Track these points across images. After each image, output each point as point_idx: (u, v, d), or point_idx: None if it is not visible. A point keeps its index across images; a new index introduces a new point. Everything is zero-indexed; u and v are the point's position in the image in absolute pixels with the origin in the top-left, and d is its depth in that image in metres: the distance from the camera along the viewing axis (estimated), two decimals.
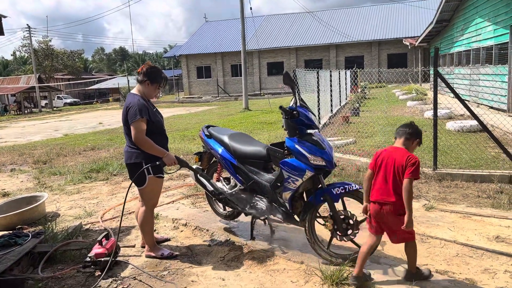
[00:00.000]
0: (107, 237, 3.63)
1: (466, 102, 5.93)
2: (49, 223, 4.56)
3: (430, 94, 17.09)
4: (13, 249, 3.53)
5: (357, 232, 3.33)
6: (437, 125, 5.76)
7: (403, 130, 3.01)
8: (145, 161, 3.47)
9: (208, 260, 3.62)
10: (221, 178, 4.29)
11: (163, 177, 3.68)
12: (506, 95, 10.77)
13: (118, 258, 3.63)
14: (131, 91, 3.62)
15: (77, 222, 4.72)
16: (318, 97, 10.30)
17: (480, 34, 13.18)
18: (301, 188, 3.41)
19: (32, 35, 41.77)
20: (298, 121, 3.35)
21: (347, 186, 3.28)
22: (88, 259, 3.42)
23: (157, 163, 3.47)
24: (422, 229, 3.99)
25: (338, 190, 3.27)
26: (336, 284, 3.01)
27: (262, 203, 3.68)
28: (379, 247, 3.40)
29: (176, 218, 4.63)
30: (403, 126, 3.05)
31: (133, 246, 4.00)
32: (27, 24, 43.15)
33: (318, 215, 3.48)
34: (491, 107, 11.90)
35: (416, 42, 25.29)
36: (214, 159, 4.30)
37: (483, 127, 5.50)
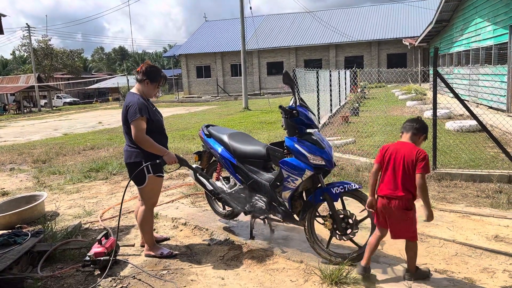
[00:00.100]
0: (106, 236, 3.63)
1: (466, 102, 5.94)
2: (48, 222, 4.57)
3: (430, 94, 17.11)
4: (12, 248, 3.54)
5: (356, 232, 3.33)
6: (437, 125, 5.77)
7: (410, 125, 3.02)
8: (145, 160, 3.47)
9: (207, 259, 3.63)
10: (220, 177, 4.29)
11: (163, 176, 3.68)
12: (505, 95, 10.78)
13: (118, 257, 3.63)
14: (131, 90, 3.62)
15: (76, 221, 4.72)
16: (317, 96, 10.31)
17: (480, 34, 13.19)
18: (300, 188, 3.42)
19: (31, 34, 41.78)
20: (297, 120, 3.36)
21: (346, 186, 3.28)
22: (87, 258, 3.41)
23: (157, 161, 3.48)
24: (421, 228, 3.98)
25: (337, 190, 3.28)
26: (336, 283, 3.02)
27: (261, 203, 3.68)
28: (378, 247, 3.40)
29: (176, 217, 4.63)
30: (410, 121, 3.06)
31: (133, 245, 4.00)
32: (27, 23, 43.10)
33: (317, 214, 3.49)
34: (490, 107, 11.91)
35: (415, 42, 25.30)
36: (213, 158, 4.31)
37: (482, 127, 5.51)
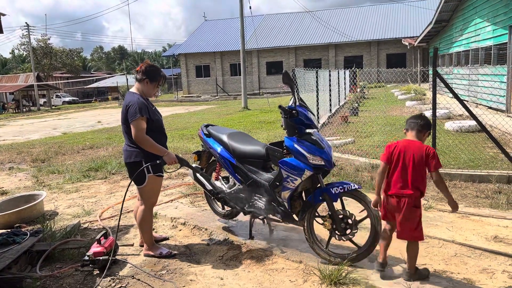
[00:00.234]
0: (105, 235, 3.62)
1: (465, 102, 5.94)
2: (47, 222, 4.56)
3: (429, 94, 17.12)
4: (11, 248, 3.53)
5: (356, 232, 3.33)
6: (436, 125, 5.77)
7: (415, 122, 3.02)
8: (145, 160, 3.47)
9: (206, 259, 3.62)
10: (220, 177, 4.29)
11: (163, 176, 3.68)
12: (504, 96, 10.79)
13: (117, 257, 3.63)
14: (130, 90, 3.62)
15: (75, 220, 4.72)
16: (317, 96, 10.30)
17: (479, 34, 13.20)
18: (300, 188, 3.42)
19: (30, 33, 41.73)
20: (297, 120, 3.35)
21: (346, 186, 3.28)
22: (86, 257, 3.41)
23: (157, 161, 3.47)
24: None
25: (337, 190, 3.27)
26: (335, 283, 3.02)
27: (261, 202, 3.67)
28: (377, 247, 3.40)
29: (175, 217, 4.63)
30: (414, 118, 3.06)
31: (132, 245, 4.00)
32: (26, 22, 43.13)
33: (316, 214, 3.49)
34: (490, 107, 11.92)
35: (415, 42, 25.31)
36: (213, 158, 4.30)
37: (482, 127, 5.51)
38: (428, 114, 9.52)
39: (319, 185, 3.40)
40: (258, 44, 36.02)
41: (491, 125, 7.97)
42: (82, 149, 10.19)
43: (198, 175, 4.07)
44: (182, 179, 6.51)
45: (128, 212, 4.96)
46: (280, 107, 3.42)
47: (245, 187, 3.81)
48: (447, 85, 5.53)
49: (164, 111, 21.35)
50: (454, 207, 2.94)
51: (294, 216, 3.52)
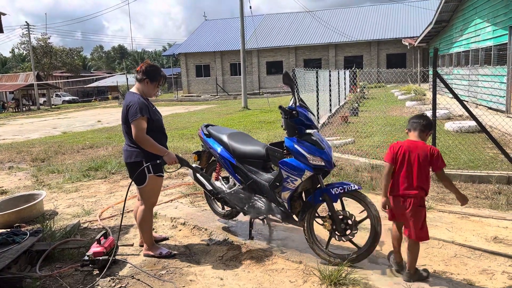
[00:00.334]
0: (105, 235, 3.63)
1: (465, 102, 5.94)
2: (47, 221, 4.56)
3: (429, 94, 17.13)
4: (11, 247, 3.53)
5: (356, 232, 3.33)
6: (436, 125, 5.76)
7: (418, 122, 3.03)
8: (146, 160, 3.47)
9: (206, 260, 3.62)
10: (220, 177, 4.29)
11: (163, 176, 3.68)
12: (504, 96, 10.79)
13: (117, 257, 3.63)
14: (130, 90, 3.62)
15: (75, 220, 4.71)
16: (317, 96, 10.31)
17: (479, 35, 13.20)
18: (300, 188, 3.42)
19: (30, 32, 41.70)
20: (297, 121, 3.35)
21: (346, 186, 3.28)
22: (86, 257, 3.41)
23: (158, 161, 3.47)
24: None
25: (337, 190, 3.27)
26: (335, 284, 3.02)
27: (260, 203, 3.67)
28: (377, 248, 3.41)
29: (175, 217, 4.62)
30: (416, 118, 3.08)
31: (132, 245, 3.99)
32: (26, 22, 43.10)
33: (316, 215, 3.49)
34: (490, 108, 11.92)
35: (415, 42, 25.31)
36: (213, 158, 4.30)
37: (482, 128, 5.51)
38: (428, 114, 9.51)
39: (319, 185, 3.40)
40: (258, 44, 36.01)
41: (491, 125, 7.96)
42: (82, 149, 10.19)
43: (198, 175, 4.07)
44: (182, 179, 6.51)
45: (128, 212, 4.96)
46: (280, 107, 3.41)
47: (245, 188, 3.81)
48: (447, 86, 5.53)
49: (164, 111, 21.35)
50: (464, 200, 2.97)
51: (294, 216, 3.52)
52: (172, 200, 5.34)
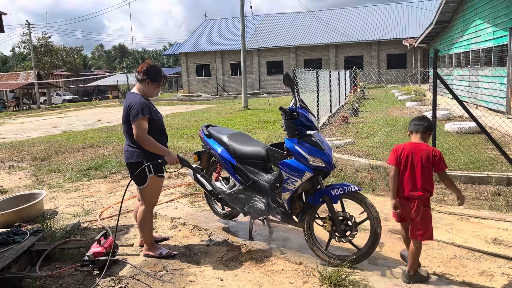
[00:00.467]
0: (105, 236, 3.63)
1: (465, 103, 5.94)
2: (47, 221, 4.56)
3: (429, 95, 17.13)
4: (11, 247, 3.53)
5: (356, 234, 3.33)
6: (436, 126, 5.77)
7: (420, 124, 3.06)
8: (147, 160, 3.47)
9: (206, 260, 3.63)
10: (220, 177, 4.29)
11: (164, 176, 3.68)
12: (504, 97, 10.79)
13: (117, 257, 3.63)
14: (131, 90, 3.62)
15: (75, 220, 4.72)
16: (317, 97, 10.31)
17: (480, 35, 13.19)
18: (300, 189, 3.42)
19: (31, 31, 41.69)
20: (297, 122, 3.36)
21: (346, 188, 3.28)
22: (86, 258, 3.41)
23: (159, 161, 3.48)
24: None
25: (337, 191, 3.28)
26: (334, 285, 3.02)
27: (261, 204, 3.68)
28: (377, 249, 3.41)
29: (175, 217, 4.63)
30: (418, 120, 3.10)
31: (132, 245, 4.00)
32: (27, 20, 43.08)
33: (316, 216, 3.49)
34: (490, 109, 11.92)
35: (415, 42, 25.32)
36: (213, 158, 4.31)
37: (482, 129, 5.51)
38: (429, 115, 9.54)
39: (319, 186, 3.40)
40: (259, 43, 36.00)
41: (491, 126, 7.96)
42: (82, 148, 10.19)
43: (198, 175, 4.08)
44: (182, 179, 6.52)
45: (128, 212, 4.96)
46: (281, 108, 3.42)
47: (245, 188, 3.81)
48: (447, 87, 5.53)
49: (165, 110, 21.37)
50: (462, 200, 3.01)
51: (294, 217, 3.52)
52: (172, 200, 5.35)
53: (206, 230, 4.26)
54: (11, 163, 8.76)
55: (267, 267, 3.43)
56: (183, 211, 4.84)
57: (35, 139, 13.21)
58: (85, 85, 55.70)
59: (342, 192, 3.27)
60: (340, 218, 3.33)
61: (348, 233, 3.33)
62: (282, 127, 3.51)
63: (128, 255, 3.79)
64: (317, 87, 10.40)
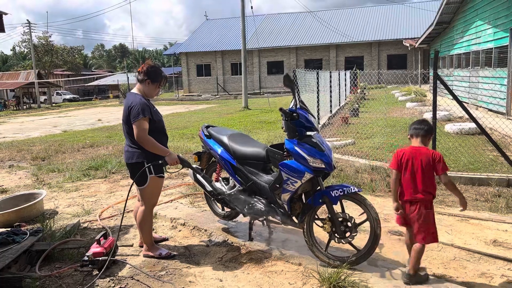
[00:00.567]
0: (105, 236, 3.63)
1: (465, 104, 5.94)
2: (47, 221, 4.57)
3: (429, 96, 17.13)
4: (11, 247, 3.53)
5: (355, 235, 3.33)
6: (436, 127, 5.76)
7: (420, 128, 3.09)
8: (147, 161, 3.48)
9: (206, 261, 3.63)
10: (220, 178, 4.29)
11: (164, 177, 3.68)
12: (505, 98, 10.78)
13: (116, 257, 3.63)
14: (132, 91, 3.62)
15: (75, 220, 4.72)
16: (317, 97, 10.31)
17: (480, 36, 13.19)
18: (300, 190, 3.42)
19: (32, 30, 41.70)
20: (297, 123, 3.36)
21: (345, 189, 3.28)
22: (86, 258, 3.41)
23: (160, 162, 3.48)
24: None
25: (336, 193, 3.27)
26: (334, 286, 3.02)
27: (260, 204, 3.68)
28: (377, 250, 3.41)
29: (175, 218, 4.63)
30: (418, 124, 3.13)
31: (131, 246, 4.00)
32: (27, 20, 43.05)
33: (316, 217, 3.49)
34: (490, 110, 11.91)
35: (416, 43, 25.31)
36: (213, 159, 4.31)
37: (482, 130, 5.51)
38: (429, 116, 9.54)
39: (319, 187, 3.40)
40: (259, 43, 35.99)
41: (491, 127, 7.97)
42: (82, 148, 10.19)
43: (198, 176, 4.08)
44: (182, 179, 6.52)
45: (128, 212, 4.96)
46: (281, 109, 3.42)
47: (245, 189, 3.82)
48: (447, 88, 5.53)
49: (165, 110, 21.37)
50: (464, 205, 3.01)
51: (294, 218, 3.53)
52: (172, 201, 5.35)
53: (205, 230, 4.26)
54: (11, 162, 8.76)
55: (266, 268, 3.43)
56: (183, 212, 4.85)
57: (35, 138, 13.21)
58: (86, 84, 55.72)
59: (341, 193, 3.27)
60: (340, 219, 3.33)
61: (347, 234, 3.33)
62: (282, 127, 3.51)
63: (128, 255, 3.79)
64: (318, 88, 10.40)
